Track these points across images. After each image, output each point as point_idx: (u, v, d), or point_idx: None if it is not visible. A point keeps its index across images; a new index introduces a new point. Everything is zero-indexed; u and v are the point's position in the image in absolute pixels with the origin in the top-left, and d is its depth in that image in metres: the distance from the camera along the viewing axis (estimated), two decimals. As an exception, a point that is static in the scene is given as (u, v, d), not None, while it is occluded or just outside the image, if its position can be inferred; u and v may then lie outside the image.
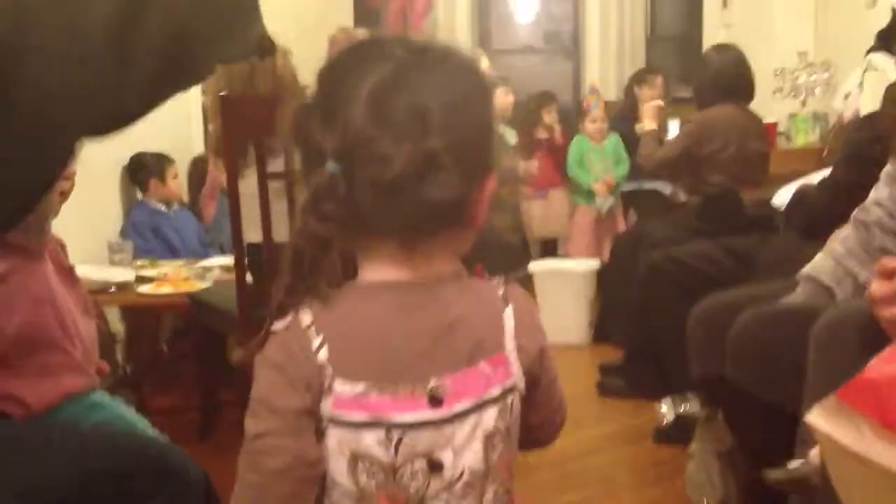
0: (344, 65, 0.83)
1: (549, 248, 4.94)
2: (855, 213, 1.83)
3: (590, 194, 4.52)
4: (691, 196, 3.47)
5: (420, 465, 0.82)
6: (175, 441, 1.50)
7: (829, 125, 4.03)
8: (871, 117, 2.68)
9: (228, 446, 0.94)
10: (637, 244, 3.43)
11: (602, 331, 3.97)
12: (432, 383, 0.82)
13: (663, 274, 2.86)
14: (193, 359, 3.00)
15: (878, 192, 1.80)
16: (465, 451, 0.83)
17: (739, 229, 2.92)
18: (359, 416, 0.81)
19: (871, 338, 1.30)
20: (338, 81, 0.82)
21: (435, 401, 0.81)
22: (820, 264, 1.84)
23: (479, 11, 6.12)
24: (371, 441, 0.81)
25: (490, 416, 0.84)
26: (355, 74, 0.80)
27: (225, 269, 2.97)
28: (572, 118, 5.07)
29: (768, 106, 4.06)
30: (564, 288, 4.03)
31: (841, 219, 2.20)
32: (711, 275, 2.75)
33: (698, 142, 3.28)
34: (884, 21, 3.44)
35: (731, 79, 3.32)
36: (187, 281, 2.92)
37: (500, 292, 0.88)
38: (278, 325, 0.83)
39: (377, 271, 0.84)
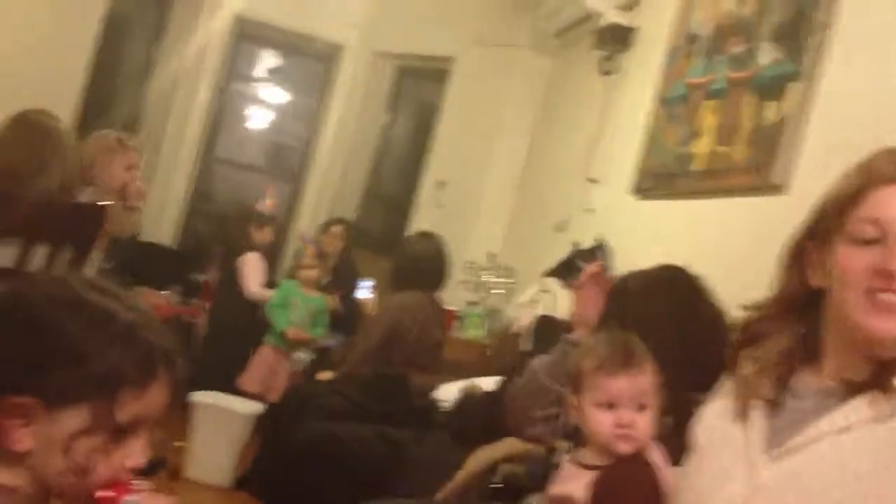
0: None
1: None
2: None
3: (280, 337, 4.35)
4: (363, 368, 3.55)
5: None
6: None
7: (501, 324, 4.32)
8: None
9: None
10: (305, 401, 3.41)
11: (250, 475, 3.82)
12: None
13: (320, 446, 2.87)
14: None
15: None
16: None
17: (400, 416, 3.03)
18: None
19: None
20: None
21: None
22: None
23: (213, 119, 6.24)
24: None
25: None
26: None
27: None
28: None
29: (452, 291, 4.31)
30: (220, 424, 3.87)
31: (495, 433, 2.37)
32: (366, 459, 2.79)
33: (399, 324, 3.42)
34: (565, 250, 3.83)
35: (427, 268, 3.55)
36: None
37: None
38: None
39: None
